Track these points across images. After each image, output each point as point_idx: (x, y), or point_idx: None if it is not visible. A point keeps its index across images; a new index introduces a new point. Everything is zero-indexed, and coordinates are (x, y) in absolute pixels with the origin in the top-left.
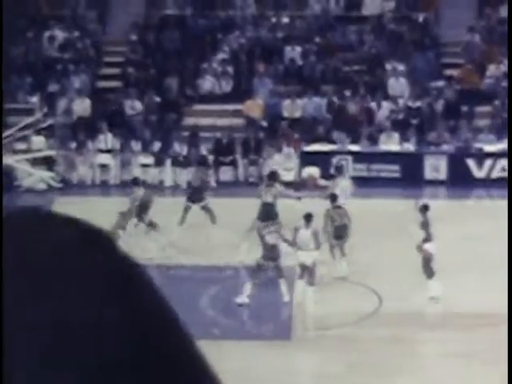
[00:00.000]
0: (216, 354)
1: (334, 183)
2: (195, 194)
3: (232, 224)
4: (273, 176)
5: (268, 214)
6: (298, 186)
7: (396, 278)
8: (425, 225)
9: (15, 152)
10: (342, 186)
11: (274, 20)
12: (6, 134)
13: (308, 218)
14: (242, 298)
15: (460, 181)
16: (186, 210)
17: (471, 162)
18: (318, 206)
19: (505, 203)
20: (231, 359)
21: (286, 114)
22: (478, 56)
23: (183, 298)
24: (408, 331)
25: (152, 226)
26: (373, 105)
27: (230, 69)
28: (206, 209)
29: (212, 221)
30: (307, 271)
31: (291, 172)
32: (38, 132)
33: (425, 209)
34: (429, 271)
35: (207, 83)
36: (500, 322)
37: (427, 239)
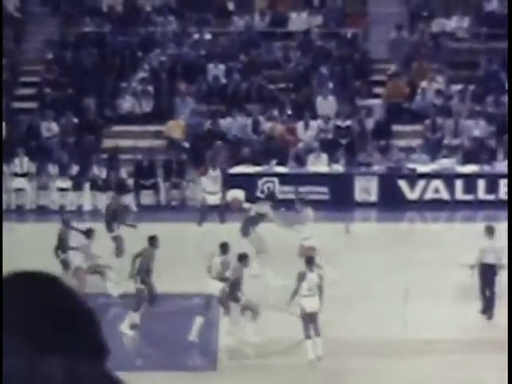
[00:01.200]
0: None
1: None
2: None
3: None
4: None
5: None
6: (223, 209)
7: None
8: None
9: None
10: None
11: (196, 37)
12: None
13: (223, 246)
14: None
15: (392, 203)
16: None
17: (403, 183)
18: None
19: (439, 226)
20: None
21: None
22: (405, 56)
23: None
24: (347, 359)
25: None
26: (300, 124)
27: (150, 88)
28: (116, 239)
29: (116, 254)
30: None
31: (217, 195)
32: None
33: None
34: None
35: (127, 103)
36: (442, 349)
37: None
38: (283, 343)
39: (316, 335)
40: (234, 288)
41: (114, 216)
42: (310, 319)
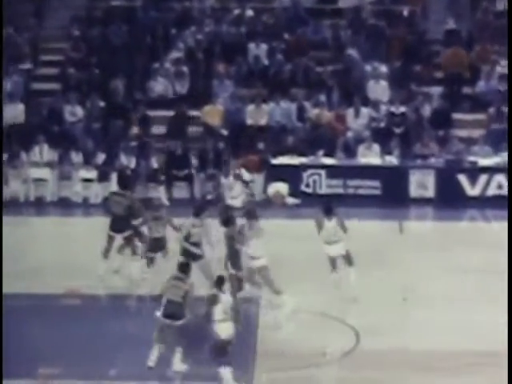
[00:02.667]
0: None
1: None
2: (118, 221)
3: None
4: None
5: None
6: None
7: (375, 312)
8: None
9: None
10: None
11: (236, 13)
12: None
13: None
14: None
15: (450, 199)
16: (110, 240)
17: (463, 178)
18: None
19: (502, 225)
20: None
21: (249, 121)
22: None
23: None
24: (389, 373)
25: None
26: (350, 111)
27: (185, 69)
28: (127, 241)
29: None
30: None
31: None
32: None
33: None
34: None
35: (159, 85)
36: (494, 362)
37: None
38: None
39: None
40: None
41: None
42: (225, 347)
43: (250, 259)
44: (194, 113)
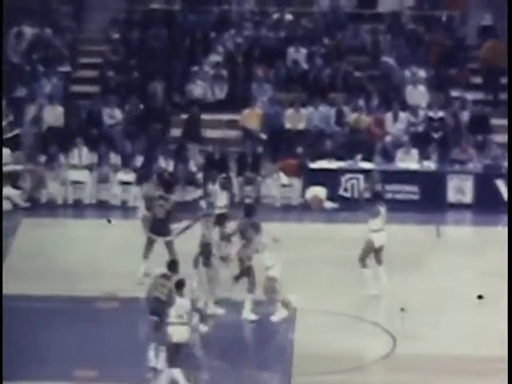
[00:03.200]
0: None
1: None
2: (159, 224)
3: None
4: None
5: None
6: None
7: (412, 316)
8: None
9: None
10: None
11: (275, 17)
12: None
13: None
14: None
15: (488, 205)
16: (150, 242)
17: (501, 183)
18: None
19: None
20: None
21: (288, 125)
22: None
23: None
24: (425, 377)
25: None
26: (388, 116)
27: (224, 72)
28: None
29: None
30: None
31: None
32: (3, 143)
33: None
34: None
35: (198, 89)
36: None
37: None
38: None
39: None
40: None
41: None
42: (176, 350)
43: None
44: (232, 116)
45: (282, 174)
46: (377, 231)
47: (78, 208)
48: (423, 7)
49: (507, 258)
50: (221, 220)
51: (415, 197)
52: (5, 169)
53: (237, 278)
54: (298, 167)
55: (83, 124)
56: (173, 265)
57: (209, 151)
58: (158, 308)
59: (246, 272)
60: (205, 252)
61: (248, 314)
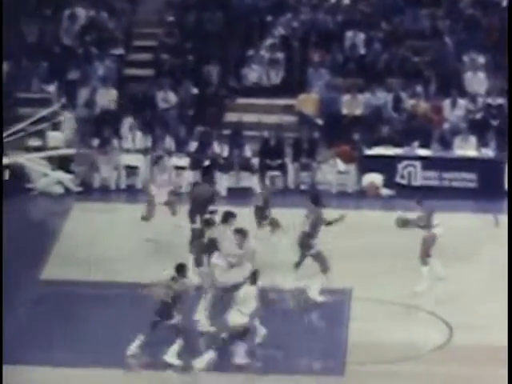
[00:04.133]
0: None
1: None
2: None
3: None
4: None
5: None
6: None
7: (470, 306)
8: None
9: (28, 149)
10: None
11: (333, 1)
12: (17, 127)
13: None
14: None
15: None
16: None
17: None
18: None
19: None
20: None
21: (345, 110)
22: None
23: None
24: (484, 368)
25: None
26: (447, 102)
27: (280, 57)
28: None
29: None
30: None
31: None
32: (55, 126)
33: None
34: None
35: (253, 73)
36: None
37: None
38: (416, 349)
39: None
40: None
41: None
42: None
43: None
44: (288, 101)
45: (338, 161)
46: (438, 225)
47: (131, 193)
48: None
49: (507, 253)
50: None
51: (473, 185)
52: (57, 152)
53: (298, 265)
54: (355, 153)
55: (137, 107)
56: (180, 268)
57: (264, 137)
58: (163, 310)
59: (316, 257)
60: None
61: (316, 296)
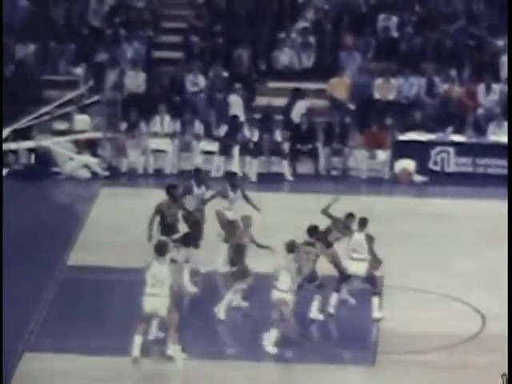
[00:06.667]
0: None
1: None
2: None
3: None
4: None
5: None
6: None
7: (503, 295)
8: None
9: (54, 133)
10: None
11: None
12: (44, 110)
13: (363, 220)
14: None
15: None
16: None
17: None
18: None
19: None
20: None
21: (377, 95)
22: None
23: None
24: None
25: None
26: (481, 87)
27: (311, 40)
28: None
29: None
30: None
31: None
32: (82, 109)
33: None
34: None
35: (284, 56)
36: None
37: None
38: (450, 338)
39: None
40: None
41: None
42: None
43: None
44: (320, 85)
45: (370, 146)
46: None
47: (158, 177)
48: None
49: (507, 246)
50: None
51: (505, 171)
52: (84, 136)
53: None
54: (387, 139)
55: (165, 91)
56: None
57: (295, 121)
58: None
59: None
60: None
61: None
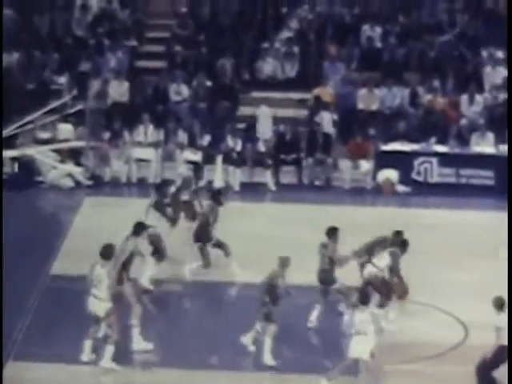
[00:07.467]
0: None
1: None
2: None
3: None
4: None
5: None
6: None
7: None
8: None
9: (38, 142)
10: None
11: None
12: (28, 119)
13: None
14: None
15: None
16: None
17: None
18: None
19: None
20: None
21: (360, 105)
22: None
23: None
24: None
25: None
26: (464, 98)
27: (295, 50)
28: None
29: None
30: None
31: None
32: (66, 119)
33: None
34: None
35: (268, 66)
36: None
37: None
38: (434, 348)
39: None
40: None
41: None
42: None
43: None
44: (303, 95)
45: (353, 156)
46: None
47: (142, 187)
48: None
49: (507, 251)
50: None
51: (490, 182)
52: (67, 145)
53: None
54: (371, 149)
55: (149, 100)
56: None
57: (280, 131)
58: None
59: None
60: None
61: None
